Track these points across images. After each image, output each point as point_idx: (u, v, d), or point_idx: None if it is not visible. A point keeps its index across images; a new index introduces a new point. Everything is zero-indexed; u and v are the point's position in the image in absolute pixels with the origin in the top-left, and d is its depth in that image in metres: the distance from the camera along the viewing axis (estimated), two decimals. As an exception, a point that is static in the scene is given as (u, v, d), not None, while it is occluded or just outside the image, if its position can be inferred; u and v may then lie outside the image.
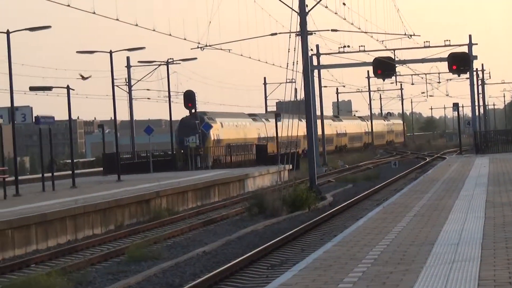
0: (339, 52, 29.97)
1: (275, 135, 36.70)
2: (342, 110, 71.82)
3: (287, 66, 20.23)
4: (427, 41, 29.76)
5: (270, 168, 29.71)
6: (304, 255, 8.95)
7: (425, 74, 44.16)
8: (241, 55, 30.38)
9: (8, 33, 20.53)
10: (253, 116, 49.44)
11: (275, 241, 11.45)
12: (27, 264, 10.72)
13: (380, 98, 68.48)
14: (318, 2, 21.41)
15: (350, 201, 19.93)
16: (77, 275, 9.12)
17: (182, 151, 36.77)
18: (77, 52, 30.72)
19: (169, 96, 37.17)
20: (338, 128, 62.40)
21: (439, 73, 41.66)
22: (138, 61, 39.58)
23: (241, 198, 23.03)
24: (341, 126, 63.69)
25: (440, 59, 26.71)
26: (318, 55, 32.23)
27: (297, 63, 20.42)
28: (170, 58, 36.64)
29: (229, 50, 29.09)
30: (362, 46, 28.93)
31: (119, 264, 10.55)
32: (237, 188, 25.89)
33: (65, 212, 14.20)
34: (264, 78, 59.30)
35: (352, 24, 26.98)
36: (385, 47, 28.39)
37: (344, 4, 24.72)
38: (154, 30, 22.77)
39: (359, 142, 68.30)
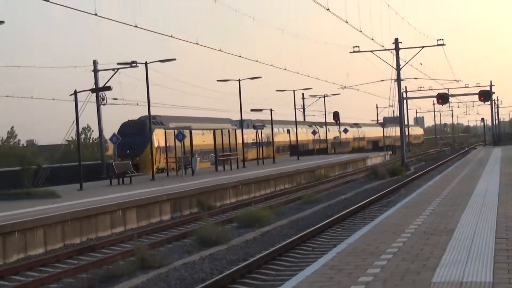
0: (418, 90, 50.07)
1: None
2: (418, 122, 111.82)
3: (389, 97, 37.75)
4: (467, 84, 50.81)
5: (380, 153, 48.90)
6: (401, 199, 13.78)
7: (465, 102, 72.72)
8: (365, 92, 62.11)
9: (146, 63, 24.46)
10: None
11: (384, 192, 19.82)
12: (249, 204, 18.66)
13: (440, 116, 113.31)
14: (406, 63, 36.17)
15: (423, 171, 30.62)
16: (276, 209, 16.20)
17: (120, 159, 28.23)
18: (217, 80, 38.12)
19: (325, 115, 56.75)
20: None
21: (473, 101, 68.79)
22: (309, 95, 59.50)
23: (364, 169, 35.89)
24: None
25: (473, 94, 44.37)
26: (406, 91, 46.89)
27: (394, 96, 36.65)
28: (326, 93, 56.51)
29: (357, 89, 51.24)
30: (430, 86, 50.25)
31: (298, 204, 18.51)
32: (362, 163, 40.65)
33: (270, 176, 24.19)
34: (376, 104, 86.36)
35: (426, 75, 45.09)
36: (443, 87, 48.42)
37: (421, 63, 41.46)
38: (298, 73, 38.68)
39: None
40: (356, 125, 71.32)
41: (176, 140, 24.95)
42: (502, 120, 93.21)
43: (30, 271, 9.36)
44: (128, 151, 29.33)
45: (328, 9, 18.80)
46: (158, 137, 30.33)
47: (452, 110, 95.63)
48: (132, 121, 32.92)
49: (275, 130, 42.27)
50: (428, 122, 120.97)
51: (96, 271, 8.92)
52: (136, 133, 30.27)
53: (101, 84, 26.35)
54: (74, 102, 20.16)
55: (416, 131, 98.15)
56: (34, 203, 14.56)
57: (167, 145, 28.37)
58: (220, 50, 25.47)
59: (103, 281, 8.14)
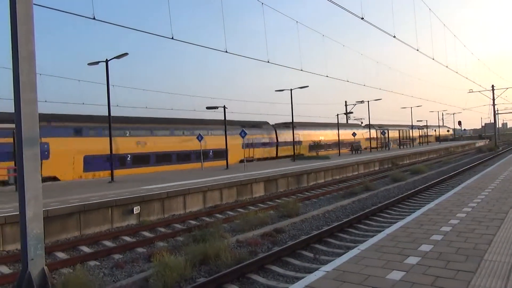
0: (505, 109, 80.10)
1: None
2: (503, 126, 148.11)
3: (488, 113, 73.57)
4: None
5: (482, 140, 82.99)
6: (495, 162, 24.47)
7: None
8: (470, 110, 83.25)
9: (291, 90, 32.25)
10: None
11: (486, 159, 35.16)
12: (415, 163, 32.86)
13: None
14: (501, 93, 76.50)
15: (508, 149, 53.06)
16: (429, 166, 27.91)
17: None
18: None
19: (442, 122, 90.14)
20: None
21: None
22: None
23: (474, 148, 63.32)
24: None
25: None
26: (497, 111, 67.25)
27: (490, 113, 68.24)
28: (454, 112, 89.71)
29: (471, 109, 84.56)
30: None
31: (439, 164, 32.88)
32: (473, 145, 70.48)
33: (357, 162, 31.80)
34: (481, 117, 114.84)
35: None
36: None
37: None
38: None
39: None
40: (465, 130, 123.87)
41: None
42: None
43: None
44: None
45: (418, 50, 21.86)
46: None
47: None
48: None
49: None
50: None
51: (346, 191, 19.30)
52: None
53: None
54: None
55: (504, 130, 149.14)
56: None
57: None
58: (347, 81, 44.43)
59: (350, 194, 18.40)
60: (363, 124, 63.72)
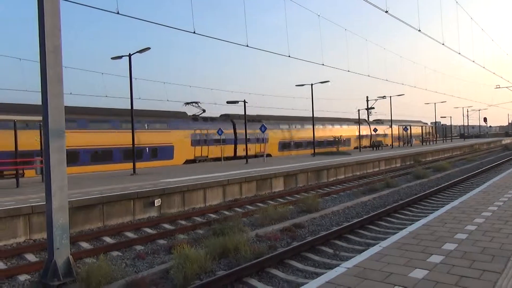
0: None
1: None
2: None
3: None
4: None
5: (509, 137, 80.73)
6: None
7: None
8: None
9: (311, 84, 32.70)
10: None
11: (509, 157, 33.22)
12: (438, 160, 31.93)
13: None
14: None
15: None
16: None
17: None
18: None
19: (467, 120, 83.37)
20: None
21: None
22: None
23: (500, 145, 60.60)
24: None
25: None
26: None
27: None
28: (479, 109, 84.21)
29: (497, 105, 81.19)
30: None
31: (463, 162, 31.64)
32: (499, 142, 68.18)
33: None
34: (508, 114, 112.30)
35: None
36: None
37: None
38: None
39: None
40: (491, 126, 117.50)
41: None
42: None
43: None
44: None
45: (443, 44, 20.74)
46: None
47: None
48: None
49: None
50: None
51: (366, 187, 19.09)
52: None
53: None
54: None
55: None
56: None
57: None
58: (368, 76, 44.32)
59: (370, 191, 18.19)
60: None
